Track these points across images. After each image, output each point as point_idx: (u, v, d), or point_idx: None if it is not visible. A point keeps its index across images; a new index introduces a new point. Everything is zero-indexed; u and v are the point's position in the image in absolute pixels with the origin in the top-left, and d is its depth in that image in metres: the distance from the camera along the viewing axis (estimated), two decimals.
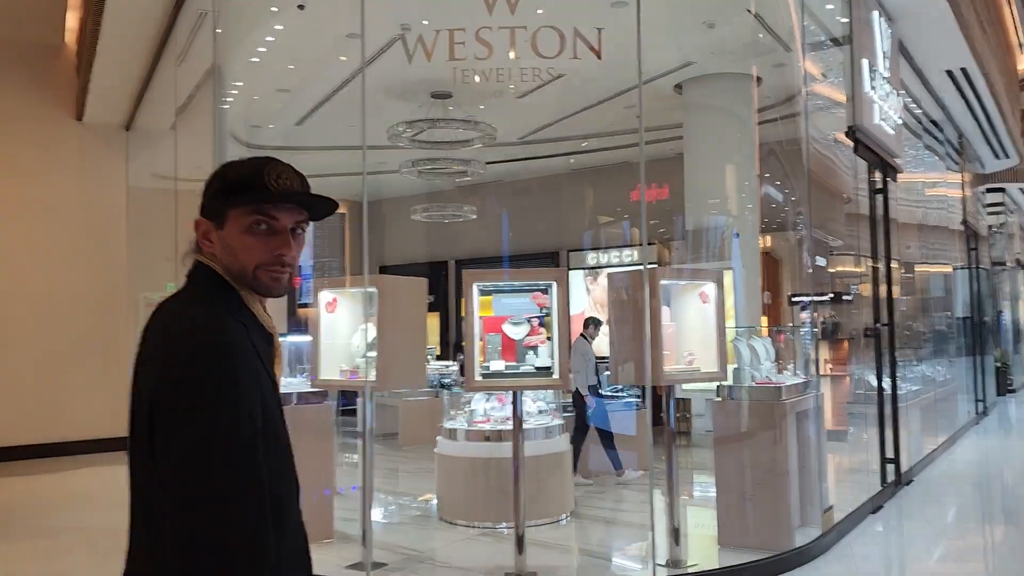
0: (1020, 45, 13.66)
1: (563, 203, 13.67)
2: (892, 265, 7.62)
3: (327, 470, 5.85)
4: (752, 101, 9.11)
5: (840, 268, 12.55)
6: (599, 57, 5.43)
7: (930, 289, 12.69)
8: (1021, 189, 17.36)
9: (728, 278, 9.44)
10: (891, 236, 7.39)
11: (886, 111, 7.26)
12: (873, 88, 6.88)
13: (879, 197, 7.29)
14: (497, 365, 4.86)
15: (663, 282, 5.02)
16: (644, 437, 6.74)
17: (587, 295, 14.17)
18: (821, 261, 12.10)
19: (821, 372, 10.56)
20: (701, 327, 5.31)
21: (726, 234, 10.00)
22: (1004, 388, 16.37)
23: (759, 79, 9.29)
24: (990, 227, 17.79)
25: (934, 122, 11.44)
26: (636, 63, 5.20)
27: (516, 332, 4.91)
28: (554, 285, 4.90)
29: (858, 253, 12.58)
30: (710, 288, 5.25)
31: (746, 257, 9.96)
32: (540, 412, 6.70)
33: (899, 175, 8.01)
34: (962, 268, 13.32)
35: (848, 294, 9.32)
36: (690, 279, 5.38)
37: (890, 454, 7.21)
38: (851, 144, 6.78)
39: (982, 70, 9.49)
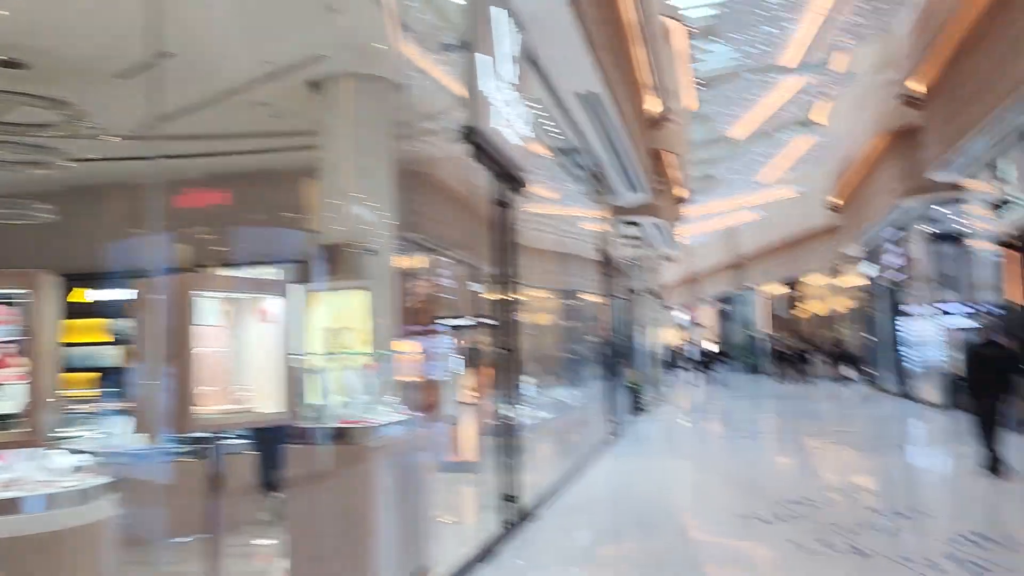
0: (650, 86, 14.64)
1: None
2: (517, 283, 7.11)
3: None
4: (392, 110, 8.30)
5: (517, 298, 12.37)
6: None
7: (570, 314, 12.92)
8: (654, 224, 18.84)
9: (361, 299, 8.49)
10: (516, 251, 6.85)
11: (511, 119, 6.75)
12: (495, 91, 6.30)
13: (501, 210, 6.73)
14: None
15: (194, 294, 3.74)
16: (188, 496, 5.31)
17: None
18: (478, 287, 11.79)
19: (461, 400, 9.91)
20: (265, 355, 4.12)
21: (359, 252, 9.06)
22: (637, 408, 17.48)
23: (399, 86, 8.48)
24: (628, 259, 19.11)
25: (575, 149, 11.61)
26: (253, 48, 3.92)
27: None
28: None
29: (526, 285, 12.53)
30: (273, 304, 4.08)
31: (381, 278, 9.09)
32: (76, 470, 5.02)
33: (544, 202, 7.60)
34: (601, 295, 13.82)
35: (495, 319, 8.85)
36: (237, 291, 4.15)
37: (511, 490, 6.62)
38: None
39: (613, 98, 9.63)
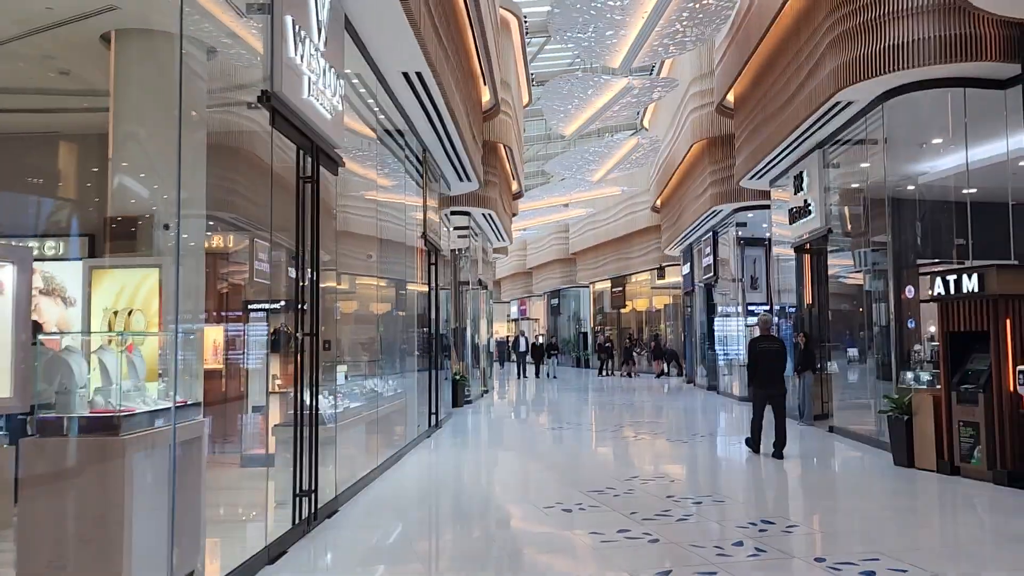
0: (483, 75, 14.54)
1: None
2: (322, 266, 6.71)
3: None
4: (197, 71, 7.62)
5: (329, 284, 11.75)
6: None
7: (391, 303, 12.57)
8: (483, 214, 18.82)
9: (153, 276, 7.76)
10: (329, 233, 6.45)
11: (321, 90, 6.34)
12: (301, 57, 5.87)
13: (308, 187, 6.31)
14: None
15: None
16: None
17: None
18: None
19: (271, 389, 9.31)
20: None
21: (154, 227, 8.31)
22: (461, 399, 17.40)
23: (213, 50, 7.81)
24: (457, 250, 18.97)
25: (400, 131, 11.27)
26: None
27: None
28: None
29: (343, 271, 11.96)
30: (6, 273, 3.50)
31: (180, 257, 8.40)
32: None
33: (366, 184, 7.20)
34: (427, 286, 13.55)
35: (300, 304, 8.36)
36: None
37: (307, 484, 6.23)
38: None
39: (436, 78, 9.39)
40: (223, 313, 9.77)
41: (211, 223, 8.75)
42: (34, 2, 7.69)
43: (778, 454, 9.94)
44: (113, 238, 8.27)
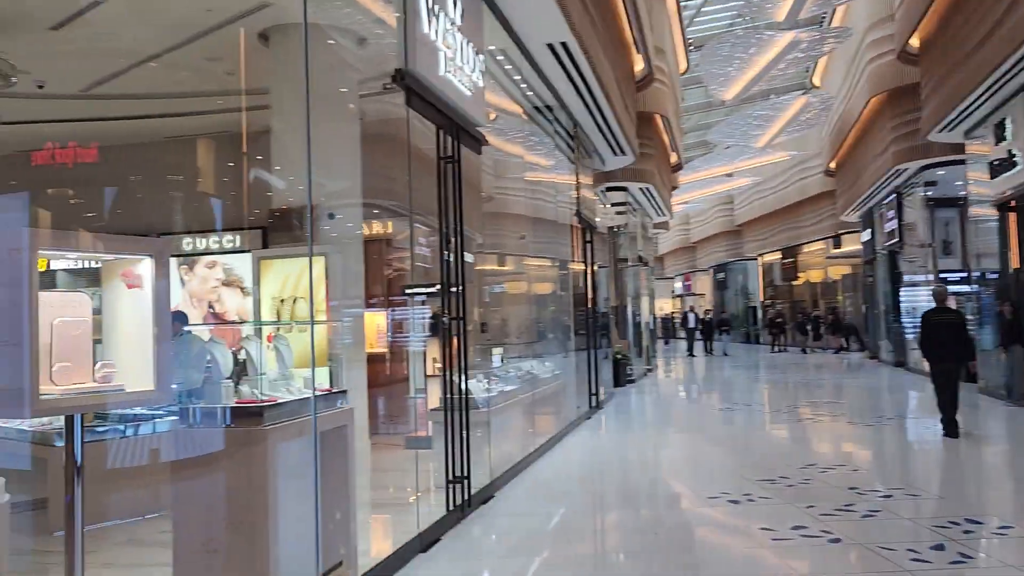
0: (635, 43, 13.93)
1: (150, 178, 11.18)
2: (465, 247, 6.54)
3: None
4: (352, 64, 7.69)
5: (486, 267, 11.79)
6: None
7: (546, 283, 12.36)
8: (641, 189, 18.20)
9: (318, 264, 7.95)
10: (462, 212, 6.27)
11: (459, 66, 6.13)
12: (436, 33, 5.68)
13: (449, 167, 6.14)
14: None
15: (45, 252, 3.16)
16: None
17: (182, 287, 11.88)
18: (469, 257, 11.22)
19: (429, 372, 9.37)
20: (137, 326, 3.55)
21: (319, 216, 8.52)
22: (623, 379, 16.97)
23: (363, 39, 7.86)
24: (615, 227, 18.49)
25: (548, 107, 10.97)
26: None
27: None
28: None
29: (495, 252, 11.94)
30: (144, 267, 3.50)
31: (344, 243, 8.58)
32: None
33: (518, 163, 7.00)
34: (584, 264, 13.24)
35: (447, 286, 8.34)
36: (97, 251, 3.57)
37: (461, 470, 6.11)
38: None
39: (582, 47, 8.97)
40: (386, 298, 9.96)
41: (375, 211, 8.90)
42: (194, 5, 8.02)
43: (949, 432, 9.10)
44: (277, 229, 8.55)
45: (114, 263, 3.54)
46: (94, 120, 9.59)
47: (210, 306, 11.42)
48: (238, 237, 11.58)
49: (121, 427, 6.41)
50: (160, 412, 5.87)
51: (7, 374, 3.16)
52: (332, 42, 8.46)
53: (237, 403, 3.96)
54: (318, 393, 4.49)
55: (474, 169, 8.95)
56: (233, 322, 10.85)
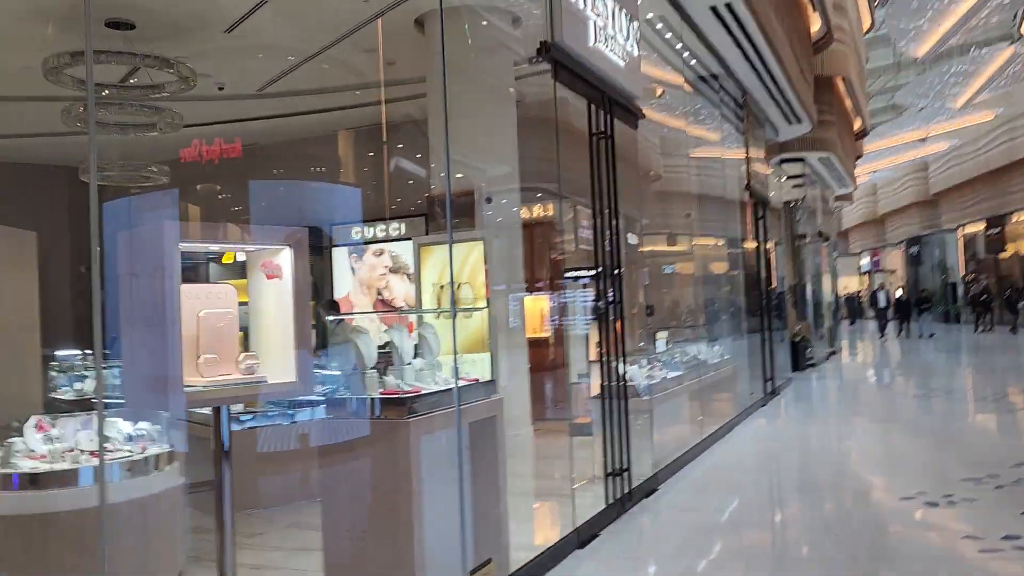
0: (811, 0, 12.87)
1: (293, 171, 11.65)
2: (619, 226, 6.21)
3: None
4: (508, 44, 7.58)
5: (653, 248, 11.41)
6: None
7: (714, 262, 11.73)
8: (820, 159, 16.94)
9: (477, 250, 7.92)
10: (617, 190, 5.93)
11: (611, 35, 5.79)
12: (584, 1, 5.36)
13: (602, 144, 5.81)
14: None
15: (184, 246, 3.18)
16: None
17: (352, 276, 12.34)
18: (633, 239, 10.91)
19: (591, 358, 9.14)
20: (278, 316, 3.55)
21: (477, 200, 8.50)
22: (803, 363, 15.91)
23: (517, 19, 7.73)
24: (791, 201, 17.35)
25: (714, 75, 10.34)
26: None
27: None
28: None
29: (671, 232, 11.49)
30: (283, 258, 3.48)
31: (504, 227, 8.51)
32: (130, 439, 4.78)
33: (682, 137, 6.62)
34: (758, 241, 12.47)
35: (613, 269, 8.05)
36: (238, 243, 3.56)
37: (621, 462, 5.82)
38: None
39: (750, 7, 8.31)
40: (549, 282, 9.81)
41: (538, 194, 8.75)
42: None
43: None
44: (437, 216, 8.60)
45: (256, 254, 3.55)
46: (264, 118, 10.06)
47: (379, 293, 11.78)
48: (404, 225, 11.87)
49: (291, 412, 6.67)
50: (318, 399, 6.04)
51: (155, 365, 3.22)
52: (486, 23, 8.35)
53: (381, 394, 3.89)
54: (466, 383, 4.36)
55: (633, 145, 8.56)
56: (394, 309, 11.10)
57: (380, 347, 4.16)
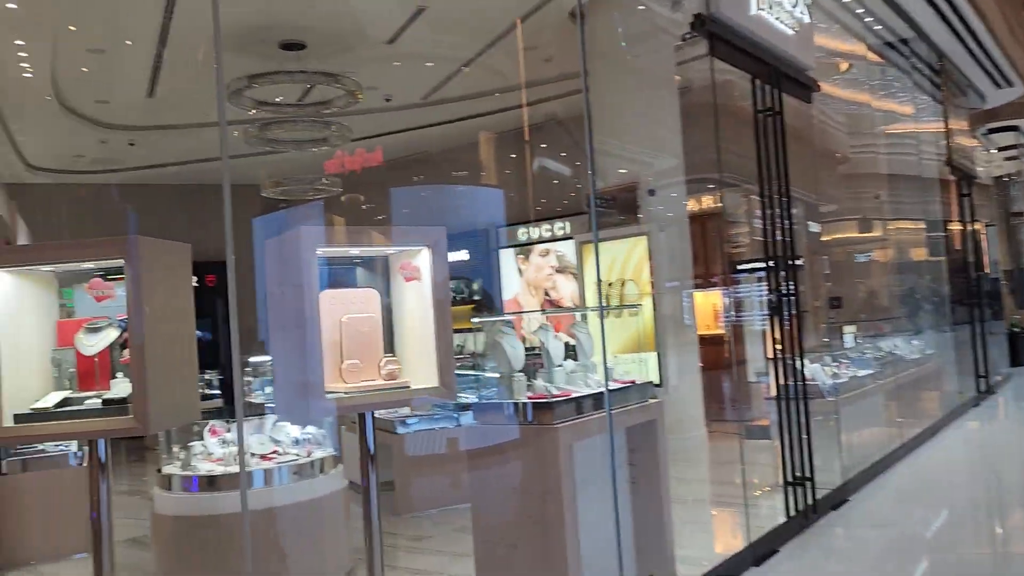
0: None
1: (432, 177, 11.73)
2: (792, 211, 5.66)
3: None
4: (667, 29, 7.24)
5: (839, 235, 10.58)
6: None
7: (910, 247, 10.62)
8: None
9: (641, 245, 7.63)
10: (787, 171, 5.40)
11: (776, 0, 5.28)
12: None
13: (769, 121, 5.31)
14: (52, 399, 3.06)
15: (322, 251, 3.16)
16: None
17: (519, 277, 12.34)
18: (815, 227, 10.18)
19: (768, 355, 8.58)
20: (419, 319, 3.46)
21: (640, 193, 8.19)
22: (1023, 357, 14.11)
23: (677, 1, 7.39)
24: (1004, 176, 15.49)
25: (903, 40, 9.33)
26: None
27: (90, 344, 3.12)
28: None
29: (864, 217, 10.60)
30: (422, 259, 3.39)
31: (671, 221, 8.15)
32: (297, 442, 4.91)
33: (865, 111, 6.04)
34: (963, 222, 11.20)
35: (797, 259, 7.46)
36: (375, 246, 3.48)
37: (803, 470, 5.30)
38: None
39: None
40: (723, 276, 9.30)
41: (710, 185, 8.30)
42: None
43: None
44: (600, 213, 8.36)
45: (395, 256, 3.48)
46: (425, 127, 10.24)
47: (546, 293, 11.70)
48: (568, 224, 11.71)
49: (456, 415, 6.67)
50: (483, 402, 5.94)
51: (300, 371, 3.22)
52: (643, 8, 7.99)
53: (529, 398, 3.70)
54: (621, 385, 4.09)
55: (809, 123, 7.86)
56: (562, 308, 10.92)
57: (528, 349, 3.99)
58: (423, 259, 3.38)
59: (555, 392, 3.73)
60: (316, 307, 3.10)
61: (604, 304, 5.66)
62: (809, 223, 9.62)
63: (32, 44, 7.50)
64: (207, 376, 9.05)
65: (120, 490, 7.68)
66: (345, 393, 3.21)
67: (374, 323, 3.41)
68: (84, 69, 8.25)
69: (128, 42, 7.70)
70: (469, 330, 7.45)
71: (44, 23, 7.17)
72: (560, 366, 3.98)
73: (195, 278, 3.46)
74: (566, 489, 3.50)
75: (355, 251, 3.40)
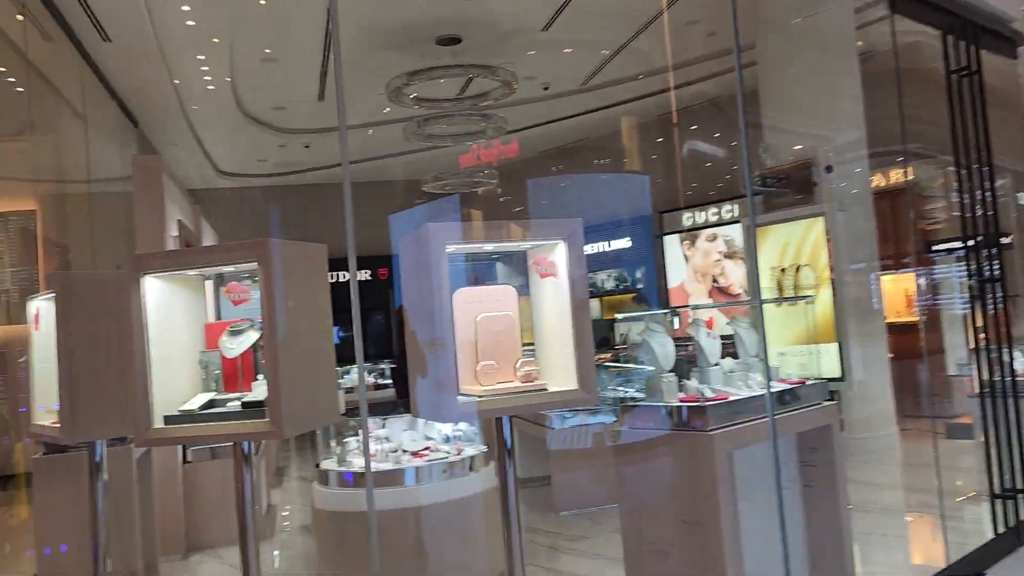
0: None
1: (639, 160, 11.36)
2: (996, 182, 4.91)
3: None
4: None
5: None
6: None
7: None
8: None
9: (818, 226, 7.06)
10: (988, 138, 4.68)
11: None
12: None
13: (964, 82, 4.62)
14: (199, 400, 3.14)
15: (451, 248, 3.02)
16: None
17: (686, 263, 11.82)
18: None
19: (971, 345, 7.72)
20: (557, 317, 3.25)
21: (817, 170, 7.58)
22: None
23: None
24: None
25: None
26: None
27: (232, 347, 3.17)
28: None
29: None
30: (558, 254, 3.17)
31: (852, 199, 7.51)
32: (448, 440, 4.87)
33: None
34: None
35: (1004, 236, 6.61)
36: (505, 240, 3.26)
37: (1011, 481, 4.60)
38: None
39: None
40: (916, 257, 8.46)
41: (899, 158, 7.53)
42: None
43: None
44: (770, 193, 7.81)
45: (530, 251, 3.29)
46: (581, 114, 9.98)
47: (714, 280, 11.12)
48: (736, 207, 11.05)
49: (615, 409, 6.43)
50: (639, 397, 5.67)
51: (434, 371, 3.11)
52: None
53: (680, 400, 3.40)
54: (789, 385, 3.69)
55: (1015, 83, 6.88)
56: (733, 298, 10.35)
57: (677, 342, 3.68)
58: (559, 254, 3.16)
59: (709, 394, 3.40)
60: (446, 306, 2.97)
61: (780, 293, 5.21)
62: (1019, 195, 8.50)
63: (211, 58, 8.00)
64: (380, 366, 9.33)
65: (303, 475, 8.08)
66: (480, 396, 3.06)
67: (510, 321, 3.23)
68: (258, 77, 8.71)
69: (296, 49, 8.04)
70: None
71: (221, 37, 7.61)
72: (716, 364, 3.64)
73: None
74: (724, 500, 3.17)
75: (489, 247, 3.24)
